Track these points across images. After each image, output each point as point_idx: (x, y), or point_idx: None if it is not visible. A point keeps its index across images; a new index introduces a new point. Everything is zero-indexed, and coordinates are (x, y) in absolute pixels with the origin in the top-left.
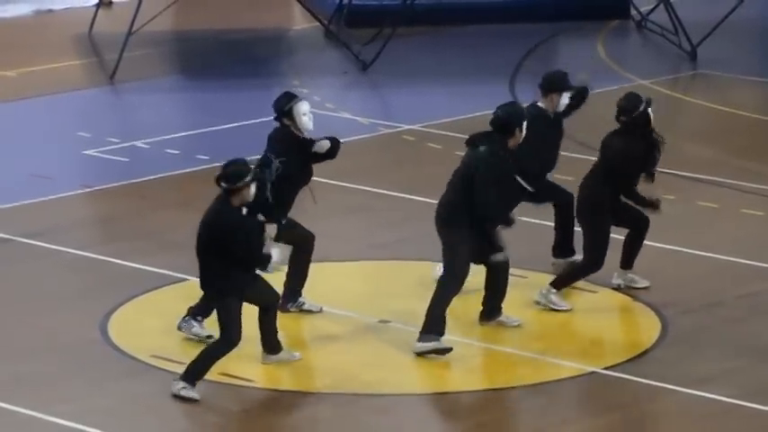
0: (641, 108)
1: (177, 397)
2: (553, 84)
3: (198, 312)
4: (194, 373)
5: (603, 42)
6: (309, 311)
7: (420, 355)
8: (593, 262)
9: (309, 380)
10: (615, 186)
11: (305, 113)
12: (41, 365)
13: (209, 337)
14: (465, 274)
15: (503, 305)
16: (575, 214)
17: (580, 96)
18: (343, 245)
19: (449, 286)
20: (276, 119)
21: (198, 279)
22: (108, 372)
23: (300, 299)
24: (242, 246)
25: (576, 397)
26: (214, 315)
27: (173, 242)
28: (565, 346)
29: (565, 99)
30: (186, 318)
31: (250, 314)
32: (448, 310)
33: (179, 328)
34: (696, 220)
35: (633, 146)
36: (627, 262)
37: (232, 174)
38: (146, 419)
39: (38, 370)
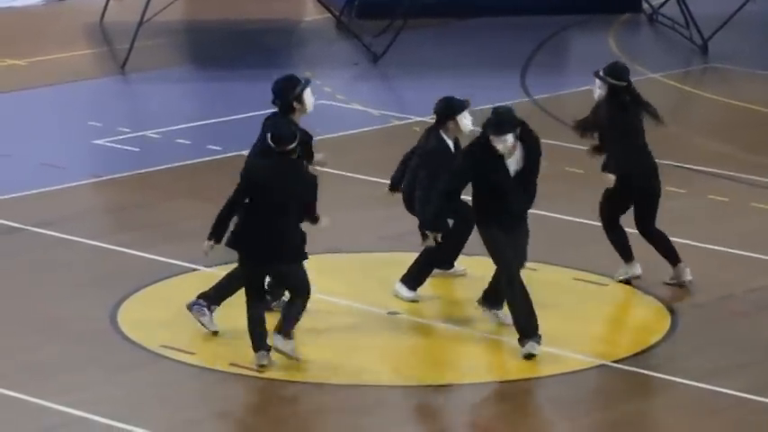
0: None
1: (280, 352)
2: (448, 109)
3: (212, 301)
4: (288, 323)
5: (615, 35)
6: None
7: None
8: None
9: (317, 371)
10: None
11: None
12: (51, 355)
13: (215, 333)
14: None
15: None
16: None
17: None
18: (353, 236)
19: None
20: (280, 105)
21: (204, 268)
22: (118, 361)
23: (284, 297)
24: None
25: (585, 390)
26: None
27: (183, 232)
28: (574, 339)
29: (467, 119)
30: (200, 301)
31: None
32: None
33: (189, 308)
34: (706, 214)
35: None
36: (629, 254)
37: (281, 137)
38: (155, 409)
39: (48, 359)
